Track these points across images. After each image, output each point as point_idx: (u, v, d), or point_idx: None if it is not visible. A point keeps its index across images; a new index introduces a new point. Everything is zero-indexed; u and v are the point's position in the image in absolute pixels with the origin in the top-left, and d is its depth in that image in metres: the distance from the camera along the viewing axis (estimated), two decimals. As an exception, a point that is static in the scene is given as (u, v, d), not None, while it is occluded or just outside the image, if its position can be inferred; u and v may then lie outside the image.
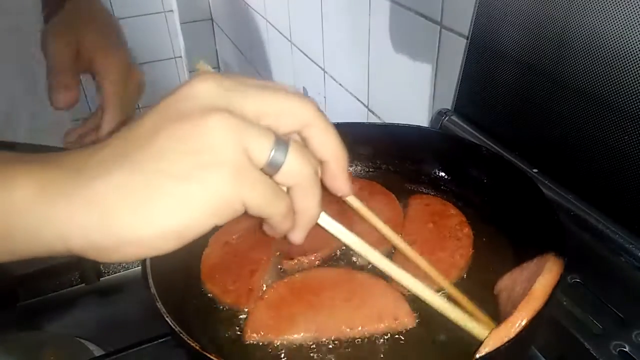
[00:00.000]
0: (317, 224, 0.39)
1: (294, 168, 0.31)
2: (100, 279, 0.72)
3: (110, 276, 0.73)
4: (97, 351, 0.60)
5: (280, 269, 0.54)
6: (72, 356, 0.60)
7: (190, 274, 0.53)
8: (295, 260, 0.53)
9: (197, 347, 0.38)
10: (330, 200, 0.62)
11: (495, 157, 0.58)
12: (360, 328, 0.46)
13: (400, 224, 0.58)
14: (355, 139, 0.66)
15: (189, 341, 0.38)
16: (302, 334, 0.46)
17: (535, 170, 0.57)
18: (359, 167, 0.68)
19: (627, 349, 0.43)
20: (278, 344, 0.46)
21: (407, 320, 0.47)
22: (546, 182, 0.56)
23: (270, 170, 0.31)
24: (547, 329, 0.47)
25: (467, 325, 0.42)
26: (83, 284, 0.71)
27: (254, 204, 0.31)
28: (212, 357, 0.37)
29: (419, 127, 0.64)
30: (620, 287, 0.47)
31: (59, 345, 0.62)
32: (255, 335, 0.46)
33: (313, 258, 0.54)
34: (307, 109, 0.33)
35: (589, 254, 0.50)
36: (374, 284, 0.50)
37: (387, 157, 0.66)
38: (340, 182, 0.37)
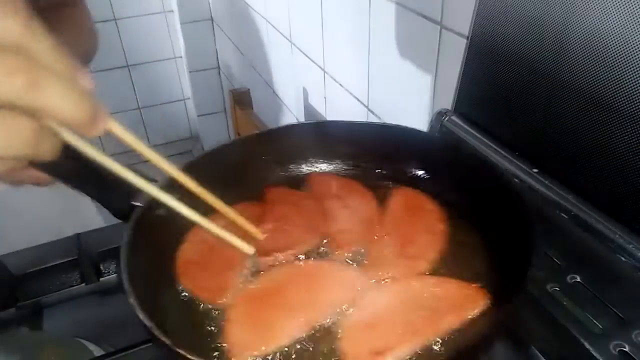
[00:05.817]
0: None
1: None
2: (100, 279, 0.72)
3: (110, 276, 0.73)
4: (97, 351, 0.60)
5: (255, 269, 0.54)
6: (72, 356, 0.60)
7: (168, 271, 0.53)
8: (272, 257, 0.53)
9: (168, 342, 0.37)
10: (307, 197, 0.62)
11: (472, 156, 0.58)
12: (328, 312, 0.47)
13: (376, 222, 0.58)
14: (334, 137, 0.66)
15: (161, 337, 0.38)
16: (286, 336, 0.45)
17: (535, 170, 0.57)
18: (340, 166, 0.68)
19: (627, 349, 0.43)
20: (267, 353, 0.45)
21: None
22: (546, 182, 0.56)
23: None
24: (547, 329, 0.47)
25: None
26: (83, 284, 0.71)
27: None
28: (181, 352, 0.36)
29: (395, 126, 0.64)
30: (620, 287, 0.47)
31: (59, 345, 0.62)
32: (240, 356, 0.44)
33: (289, 254, 0.54)
34: None
35: (589, 254, 0.50)
36: (331, 268, 0.52)
37: (366, 156, 0.66)
38: None
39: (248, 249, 0.47)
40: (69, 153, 0.50)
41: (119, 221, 0.84)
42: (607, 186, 0.51)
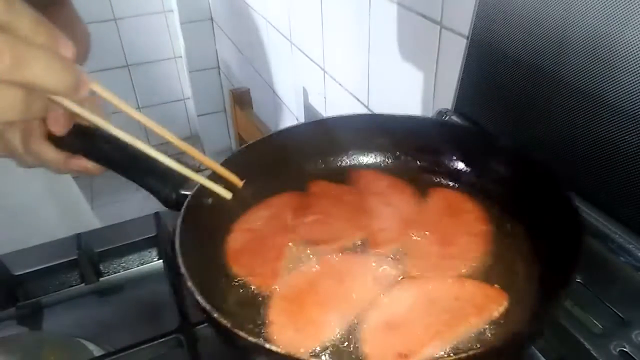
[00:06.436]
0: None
1: None
2: (100, 279, 0.72)
3: (110, 276, 0.73)
4: (97, 351, 0.60)
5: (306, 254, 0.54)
6: (72, 356, 0.60)
7: (217, 258, 0.54)
8: (321, 247, 0.54)
9: (227, 325, 0.38)
10: (350, 191, 0.63)
11: (512, 149, 0.57)
12: (363, 302, 0.47)
13: (417, 221, 0.58)
14: (375, 130, 0.66)
15: (220, 319, 0.38)
16: (326, 333, 0.45)
17: (535, 170, 0.57)
18: (379, 158, 0.67)
19: (627, 349, 0.43)
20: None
21: None
22: (546, 182, 0.56)
23: None
24: (548, 329, 0.47)
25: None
26: (83, 284, 0.71)
27: None
28: (242, 334, 0.37)
29: (436, 119, 0.64)
30: (620, 287, 0.47)
31: (59, 345, 0.62)
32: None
33: (333, 246, 0.54)
34: None
35: (589, 254, 0.50)
36: (365, 263, 0.52)
37: (406, 148, 0.66)
38: None
39: (226, 194, 0.52)
40: (117, 143, 0.51)
41: (119, 221, 0.84)
42: (607, 186, 0.51)
